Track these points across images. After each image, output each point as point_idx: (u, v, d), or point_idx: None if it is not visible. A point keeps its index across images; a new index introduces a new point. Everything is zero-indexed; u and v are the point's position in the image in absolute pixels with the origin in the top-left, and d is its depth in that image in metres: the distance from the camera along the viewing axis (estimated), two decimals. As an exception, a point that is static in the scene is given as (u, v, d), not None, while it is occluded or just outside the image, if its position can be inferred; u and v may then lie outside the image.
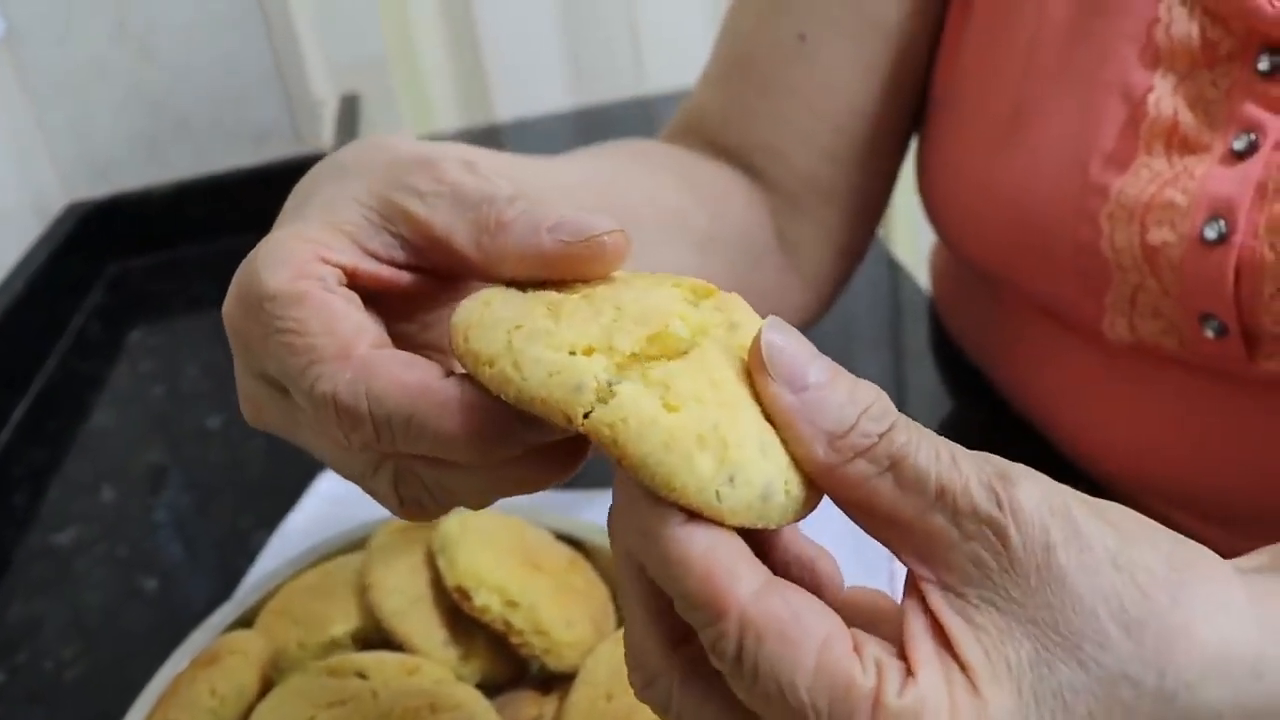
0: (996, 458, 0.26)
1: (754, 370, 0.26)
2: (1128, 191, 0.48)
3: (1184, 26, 0.47)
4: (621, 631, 0.47)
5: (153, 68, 1.11)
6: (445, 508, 0.31)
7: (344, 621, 0.49)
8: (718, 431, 0.24)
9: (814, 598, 0.25)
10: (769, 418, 0.26)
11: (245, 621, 0.52)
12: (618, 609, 0.51)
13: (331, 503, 0.69)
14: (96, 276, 1.11)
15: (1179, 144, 0.48)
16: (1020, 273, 0.56)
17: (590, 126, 1.42)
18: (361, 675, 0.45)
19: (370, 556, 0.51)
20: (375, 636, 0.49)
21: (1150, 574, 0.25)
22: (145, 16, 1.09)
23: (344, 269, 0.31)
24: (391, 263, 0.32)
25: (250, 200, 1.17)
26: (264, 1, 1.11)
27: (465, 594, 0.47)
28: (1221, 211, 0.45)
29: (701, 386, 0.25)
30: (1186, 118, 0.47)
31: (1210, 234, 0.45)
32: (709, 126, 0.65)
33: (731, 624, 0.24)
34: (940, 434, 0.26)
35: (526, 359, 0.26)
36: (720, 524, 0.24)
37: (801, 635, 0.23)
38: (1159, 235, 0.47)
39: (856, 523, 0.26)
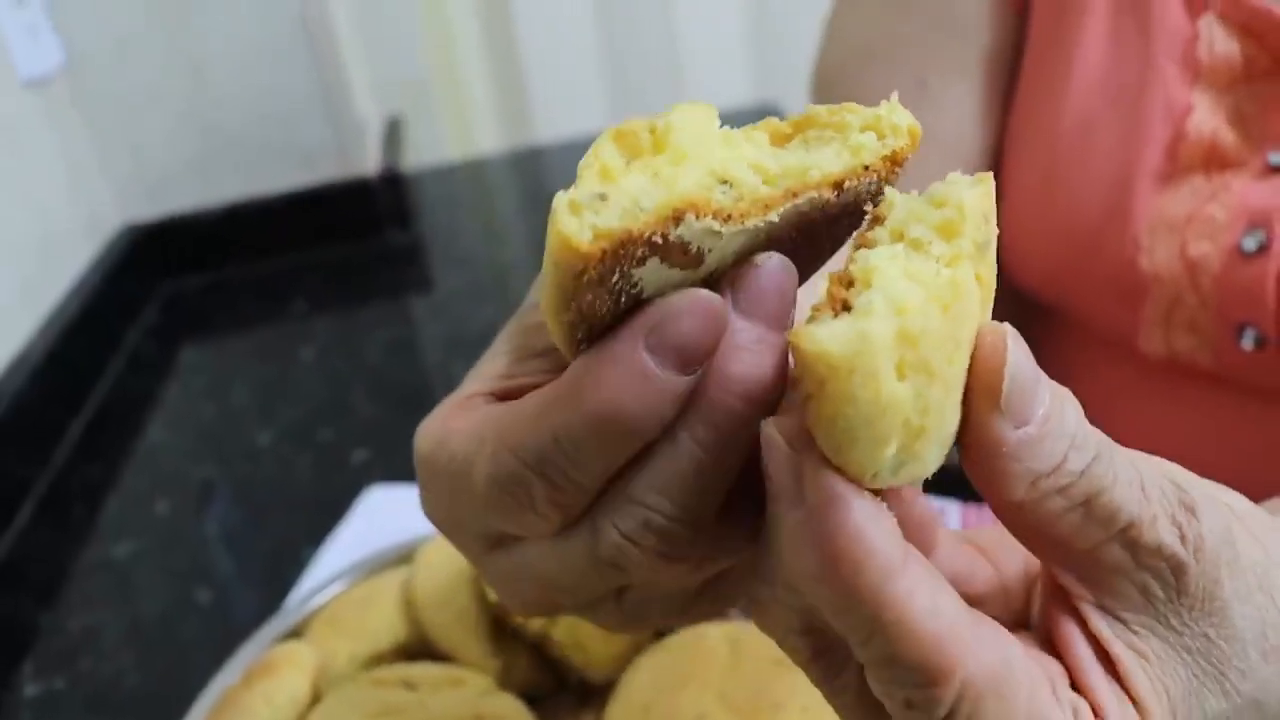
0: (1177, 471, 0.25)
1: (980, 392, 0.22)
2: (1169, 208, 0.50)
3: (1225, 44, 0.49)
4: (657, 642, 0.48)
5: (204, 92, 1.14)
6: (673, 607, 0.28)
7: (391, 633, 0.51)
8: (923, 419, 0.21)
9: (1007, 634, 0.23)
10: (967, 428, 0.23)
11: (295, 633, 0.53)
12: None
13: (378, 517, 0.71)
14: (150, 296, 1.15)
15: (1217, 161, 0.49)
16: (1060, 288, 0.57)
17: (628, 145, 1.44)
18: (409, 686, 0.47)
19: (416, 570, 0.52)
20: (421, 648, 0.51)
21: None
22: (196, 44, 1.12)
23: (490, 393, 0.29)
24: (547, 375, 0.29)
25: (298, 220, 1.20)
26: (310, 27, 1.14)
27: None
28: (1259, 223, 0.47)
29: (945, 350, 0.21)
30: (1226, 136, 0.49)
31: (1249, 245, 0.47)
32: None
33: (951, 690, 0.22)
34: None
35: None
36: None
37: (1014, 689, 0.22)
38: (1199, 248, 0.49)
39: (1008, 528, 0.24)
